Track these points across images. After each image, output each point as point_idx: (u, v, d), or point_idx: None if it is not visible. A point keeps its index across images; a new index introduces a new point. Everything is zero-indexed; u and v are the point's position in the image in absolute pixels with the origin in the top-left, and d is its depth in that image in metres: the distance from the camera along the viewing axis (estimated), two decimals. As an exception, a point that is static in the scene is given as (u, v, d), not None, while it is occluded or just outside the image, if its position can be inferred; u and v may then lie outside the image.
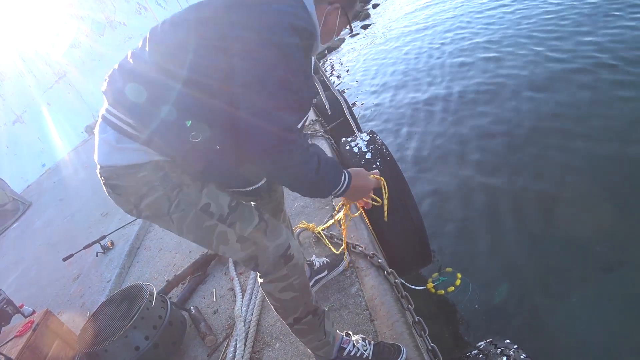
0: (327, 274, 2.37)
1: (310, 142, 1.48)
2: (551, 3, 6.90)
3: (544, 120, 4.63)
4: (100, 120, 1.43)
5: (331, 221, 2.76)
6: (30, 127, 11.86)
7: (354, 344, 1.82)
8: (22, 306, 3.41)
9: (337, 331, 1.85)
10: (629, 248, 3.05)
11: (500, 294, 3.23)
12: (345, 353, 1.80)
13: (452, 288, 3.23)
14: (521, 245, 3.55)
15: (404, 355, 1.79)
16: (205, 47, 1.32)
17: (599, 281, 2.99)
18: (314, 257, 2.43)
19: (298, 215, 3.09)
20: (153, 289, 2.44)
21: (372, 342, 1.85)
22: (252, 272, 2.66)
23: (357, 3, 1.60)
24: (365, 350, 1.80)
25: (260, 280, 1.62)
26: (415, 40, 9.12)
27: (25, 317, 3.36)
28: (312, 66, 1.58)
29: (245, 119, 1.30)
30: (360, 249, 2.49)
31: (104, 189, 1.48)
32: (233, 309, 2.58)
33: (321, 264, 2.38)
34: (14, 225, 8.28)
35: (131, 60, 1.41)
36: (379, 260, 2.40)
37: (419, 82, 7.34)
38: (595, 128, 4.13)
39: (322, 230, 2.70)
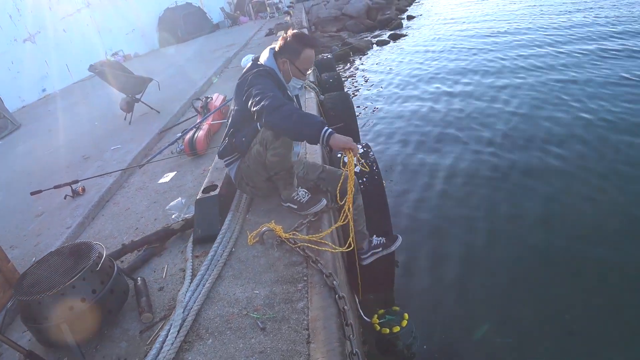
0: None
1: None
2: None
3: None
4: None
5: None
6: (40, 49, 11.69)
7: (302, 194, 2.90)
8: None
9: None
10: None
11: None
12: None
13: (398, 328, 3.13)
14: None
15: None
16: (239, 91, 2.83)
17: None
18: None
19: (269, 213, 3.03)
20: (103, 251, 2.37)
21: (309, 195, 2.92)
22: (208, 257, 2.62)
23: (301, 54, 2.77)
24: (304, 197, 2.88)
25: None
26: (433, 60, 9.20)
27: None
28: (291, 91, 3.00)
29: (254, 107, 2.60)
30: (320, 265, 2.43)
31: None
32: (179, 290, 2.53)
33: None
34: (-2, 143, 8.14)
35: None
36: (334, 282, 2.33)
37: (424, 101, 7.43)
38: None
39: (288, 237, 2.64)
